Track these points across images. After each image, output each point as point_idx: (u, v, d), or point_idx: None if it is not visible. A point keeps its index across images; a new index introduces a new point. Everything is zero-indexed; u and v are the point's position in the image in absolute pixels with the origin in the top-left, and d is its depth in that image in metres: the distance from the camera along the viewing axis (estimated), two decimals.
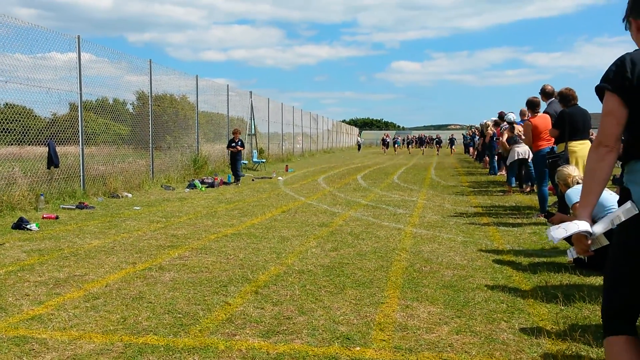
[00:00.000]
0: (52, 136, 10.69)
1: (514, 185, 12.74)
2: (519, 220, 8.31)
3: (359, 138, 61.32)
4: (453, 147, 43.26)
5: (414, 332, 3.59)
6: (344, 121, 79.24)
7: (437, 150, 43.15)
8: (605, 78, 2.12)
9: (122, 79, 14.94)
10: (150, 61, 14.81)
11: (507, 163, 13.00)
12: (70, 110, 11.76)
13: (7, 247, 6.40)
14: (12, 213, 8.75)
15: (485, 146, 20.82)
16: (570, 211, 5.82)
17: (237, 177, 15.64)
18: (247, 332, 3.62)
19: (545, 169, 8.33)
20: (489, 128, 17.33)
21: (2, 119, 9.57)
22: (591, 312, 3.94)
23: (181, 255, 5.96)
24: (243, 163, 21.54)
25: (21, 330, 3.66)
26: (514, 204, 10.32)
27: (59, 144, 11.10)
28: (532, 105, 9.11)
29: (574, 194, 5.25)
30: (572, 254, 2.42)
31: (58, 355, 3.23)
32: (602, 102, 2.14)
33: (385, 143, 51.68)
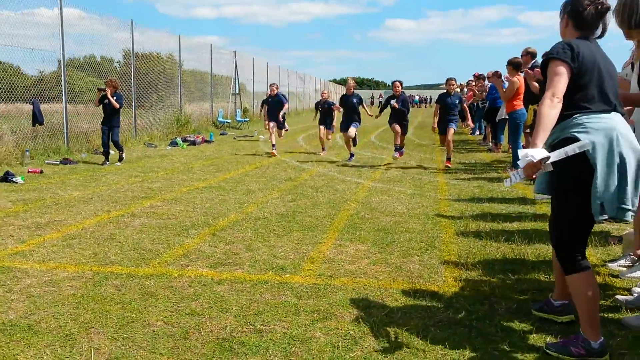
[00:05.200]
0: (39, 94, 11.17)
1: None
2: (470, 176, 8.99)
3: None
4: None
5: (339, 264, 4.27)
6: (334, 80, 79.05)
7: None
8: (557, 52, 2.72)
9: (109, 37, 15.21)
10: (132, 21, 15.14)
11: (497, 119, 13.03)
12: (58, 68, 12.17)
13: None
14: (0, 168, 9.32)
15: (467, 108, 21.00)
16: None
17: (118, 148, 10.54)
18: (199, 264, 4.29)
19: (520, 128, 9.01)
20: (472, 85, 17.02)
21: None
22: (495, 249, 4.63)
23: (153, 204, 6.60)
24: (225, 122, 21.80)
25: (6, 262, 4.31)
26: (474, 161, 10.98)
27: (46, 102, 11.57)
28: (517, 65, 9.43)
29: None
30: (514, 180, 2.71)
31: (37, 281, 3.88)
32: (546, 69, 2.75)
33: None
